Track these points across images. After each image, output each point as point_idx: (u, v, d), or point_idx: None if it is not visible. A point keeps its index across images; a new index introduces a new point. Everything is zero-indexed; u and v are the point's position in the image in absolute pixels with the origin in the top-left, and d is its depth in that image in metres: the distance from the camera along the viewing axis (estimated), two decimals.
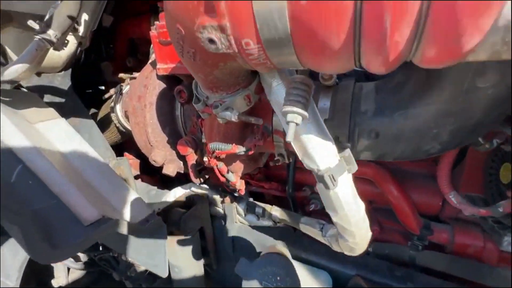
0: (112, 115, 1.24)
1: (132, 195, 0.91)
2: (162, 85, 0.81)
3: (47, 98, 1.09)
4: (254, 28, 0.33)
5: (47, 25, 0.76)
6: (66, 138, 0.91)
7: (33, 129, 0.85)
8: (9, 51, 0.96)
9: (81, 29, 1.10)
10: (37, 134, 0.84)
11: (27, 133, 0.79)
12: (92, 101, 1.55)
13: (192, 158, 0.84)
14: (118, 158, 1.37)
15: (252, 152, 0.65)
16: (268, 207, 1.08)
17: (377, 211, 1.19)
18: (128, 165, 1.32)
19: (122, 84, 1.20)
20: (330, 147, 0.53)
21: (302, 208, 1.35)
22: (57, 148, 0.84)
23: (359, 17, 0.29)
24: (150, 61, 0.94)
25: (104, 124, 1.37)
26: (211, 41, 0.36)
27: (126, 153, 1.62)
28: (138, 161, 1.60)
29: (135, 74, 1.06)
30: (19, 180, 0.67)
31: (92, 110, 1.53)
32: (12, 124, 0.77)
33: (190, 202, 1.21)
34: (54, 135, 0.89)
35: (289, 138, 0.43)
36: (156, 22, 0.71)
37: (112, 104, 1.23)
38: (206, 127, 0.68)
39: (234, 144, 0.61)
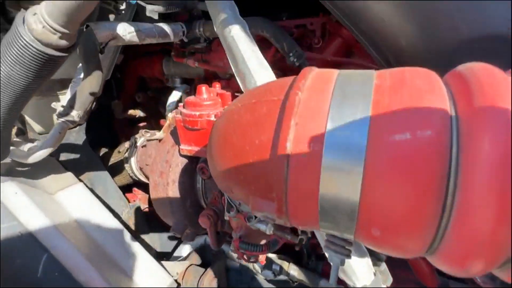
0: (126, 165, 1.24)
1: (153, 265, 0.91)
2: (184, 161, 0.81)
3: (64, 156, 1.08)
4: (315, 219, 0.33)
5: (70, 106, 0.76)
6: (86, 208, 0.91)
7: (53, 202, 0.85)
8: (27, 118, 0.95)
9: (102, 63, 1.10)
10: (58, 208, 0.84)
11: (49, 211, 0.78)
12: (103, 140, 1.55)
13: (213, 229, 0.84)
14: (131, 204, 1.37)
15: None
16: (285, 264, 1.08)
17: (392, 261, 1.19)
18: (141, 214, 1.32)
19: (136, 136, 1.20)
20: (366, 262, 0.53)
21: (314, 251, 1.35)
22: (79, 222, 0.84)
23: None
24: (169, 129, 0.94)
25: (116, 168, 1.37)
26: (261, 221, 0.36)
27: (135, 189, 1.61)
28: (147, 195, 1.60)
29: (147, 131, 1.05)
30: (45, 273, 0.67)
31: (103, 150, 1.53)
32: (33, 204, 0.76)
33: (204, 255, 1.21)
34: (74, 205, 0.89)
35: (332, 281, 0.43)
36: (182, 110, 0.71)
37: (126, 154, 1.23)
38: (233, 222, 0.68)
39: (265, 246, 0.61)
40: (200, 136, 0.72)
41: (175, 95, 1.14)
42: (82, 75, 0.81)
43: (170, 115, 1.01)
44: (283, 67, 1.08)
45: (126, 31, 0.78)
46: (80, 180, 1.06)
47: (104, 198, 1.19)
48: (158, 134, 1.01)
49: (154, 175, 0.84)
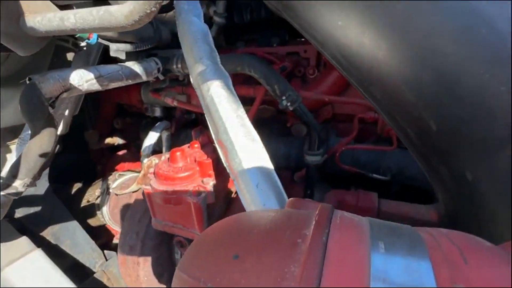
0: (98, 212, 1.09)
1: None
2: (158, 234, 0.67)
3: (21, 211, 0.92)
4: None
5: (12, 176, 0.61)
6: (41, 283, 0.76)
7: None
8: None
9: (60, 127, 0.95)
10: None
11: None
12: (77, 174, 1.39)
13: None
14: (106, 252, 1.21)
15: None
16: None
17: None
18: (117, 265, 1.17)
19: (109, 181, 1.05)
20: None
21: None
22: None
23: None
24: (144, 180, 0.80)
25: (89, 211, 1.21)
26: None
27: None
28: None
29: (126, 168, 0.91)
30: None
31: (77, 185, 1.37)
32: None
33: None
34: (26, 281, 0.74)
35: None
36: (152, 183, 0.57)
37: (98, 201, 1.07)
38: None
39: None
40: (175, 213, 0.58)
41: (151, 137, 0.99)
42: (29, 132, 0.67)
43: (145, 162, 0.88)
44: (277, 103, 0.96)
45: (82, 79, 0.63)
46: (41, 239, 0.91)
47: (72, 253, 1.03)
48: (132, 187, 0.87)
49: (123, 249, 0.69)
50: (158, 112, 1.30)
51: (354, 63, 0.40)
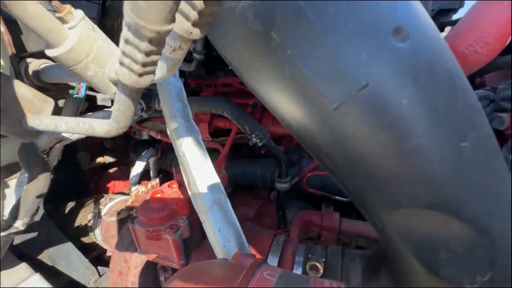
0: (91, 234, 1.18)
1: None
2: (144, 260, 0.77)
3: (19, 238, 1.01)
4: None
5: (13, 218, 0.70)
6: None
7: None
8: None
9: (51, 160, 1.03)
10: None
11: None
12: (70, 193, 1.47)
13: None
14: (100, 268, 1.30)
15: None
16: None
17: None
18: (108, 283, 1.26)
19: (100, 205, 1.14)
20: None
21: None
22: None
23: None
24: (132, 207, 0.89)
25: (82, 230, 1.30)
26: None
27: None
28: None
29: (115, 197, 1.00)
30: None
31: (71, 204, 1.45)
32: None
33: None
34: None
35: None
36: (136, 222, 0.67)
37: (91, 224, 1.16)
38: None
39: None
40: (157, 247, 0.68)
41: (138, 167, 1.09)
42: (27, 175, 0.75)
43: (133, 191, 0.97)
44: None
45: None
46: (39, 262, 1.00)
47: (68, 272, 1.12)
48: (121, 214, 0.96)
49: (113, 274, 0.79)
50: (145, 136, 1.39)
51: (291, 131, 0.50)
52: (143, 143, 1.47)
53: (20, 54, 0.65)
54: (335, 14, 0.33)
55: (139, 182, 1.04)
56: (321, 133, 0.43)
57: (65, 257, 1.13)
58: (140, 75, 0.30)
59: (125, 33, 0.26)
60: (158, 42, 0.26)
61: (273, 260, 0.72)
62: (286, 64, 0.37)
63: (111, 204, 1.08)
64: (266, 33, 0.36)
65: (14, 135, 0.54)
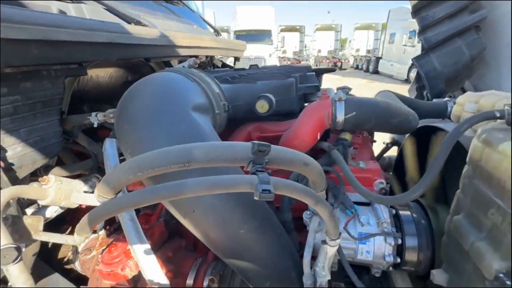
0: (73, 265, 1.56)
1: None
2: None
3: None
4: None
5: None
6: None
7: None
8: None
9: None
10: None
11: None
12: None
13: None
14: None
15: None
16: None
17: None
18: None
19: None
20: None
21: None
22: None
23: None
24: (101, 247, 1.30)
25: (64, 264, 1.69)
26: None
27: None
28: None
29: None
30: None
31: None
32: None
33: None
34: None
35: None
36: (98, 268, 1.09)
37: (71, 257, 1.55)
38: None
39: None
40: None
41: None
42: None
43: (100, 234, 1.37)
44: None
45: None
46: None
47: None
48: (92, 253, 1.36)
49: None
50: None
51: None
52: None
53: None
54: None
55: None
56: None
57: (54, 285, 1.52)
58: None
59: None
60: None
61: (192, 276, 1.18)
62: None
63: (85, 242, 1.47)
64: None
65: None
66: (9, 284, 0.72)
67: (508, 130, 0.75)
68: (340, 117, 1.10)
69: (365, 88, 13.59)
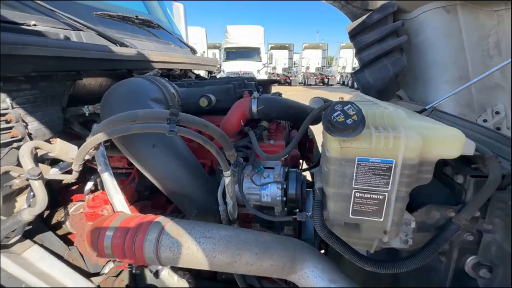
0: (64, 225, 2.01)
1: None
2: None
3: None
4: None
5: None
6: (47, 258, 1.70)
7: (24, 260, 1.63)
8: None
9: None
10: (30, 263, 1.63)
11: (28, 267, 1.58)
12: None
13: None
14: (70, 247, 2.15)
15: None
16: None
17: None
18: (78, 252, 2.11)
19: (68, 207, 1.98)
20: None
21: None
22: (46, 271, 1.64)
23: None
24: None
25: (58, 225, 2.13)
26: None
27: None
28: None
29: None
30: None
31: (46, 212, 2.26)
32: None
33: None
34: (39, 259, 1.68)
35: None
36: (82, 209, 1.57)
37: (63, 219, 2.00)
38: None
39: None
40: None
41: (88, 185, 1.97)
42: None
43: (86, 198, 1.85)
44: None
45: None
46: (35, 242, 1.84)
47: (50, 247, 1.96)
48: (80, 210, 1.83)
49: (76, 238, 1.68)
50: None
51: None
52: (94, 169, 2.33)
53: None
54: None
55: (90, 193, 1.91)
56: None
57: (48, 240, 1.97)
58: None
59: None
60: None
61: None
62: None
63: (75, 206, 1.94)
64: None
65: None
66: (30, 194, 1.21)
67: None
68: (254, 108, 1.66)
69: None
